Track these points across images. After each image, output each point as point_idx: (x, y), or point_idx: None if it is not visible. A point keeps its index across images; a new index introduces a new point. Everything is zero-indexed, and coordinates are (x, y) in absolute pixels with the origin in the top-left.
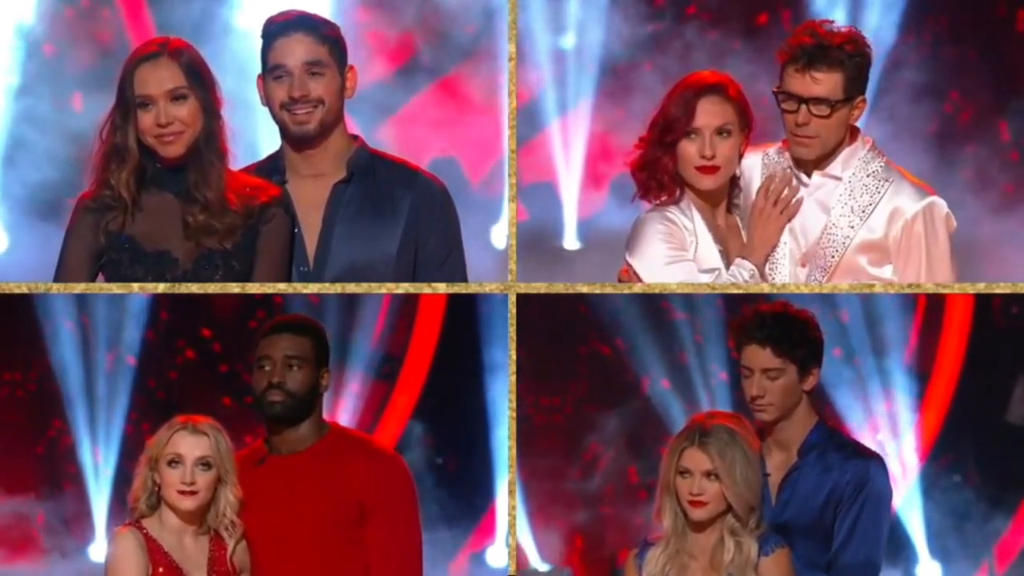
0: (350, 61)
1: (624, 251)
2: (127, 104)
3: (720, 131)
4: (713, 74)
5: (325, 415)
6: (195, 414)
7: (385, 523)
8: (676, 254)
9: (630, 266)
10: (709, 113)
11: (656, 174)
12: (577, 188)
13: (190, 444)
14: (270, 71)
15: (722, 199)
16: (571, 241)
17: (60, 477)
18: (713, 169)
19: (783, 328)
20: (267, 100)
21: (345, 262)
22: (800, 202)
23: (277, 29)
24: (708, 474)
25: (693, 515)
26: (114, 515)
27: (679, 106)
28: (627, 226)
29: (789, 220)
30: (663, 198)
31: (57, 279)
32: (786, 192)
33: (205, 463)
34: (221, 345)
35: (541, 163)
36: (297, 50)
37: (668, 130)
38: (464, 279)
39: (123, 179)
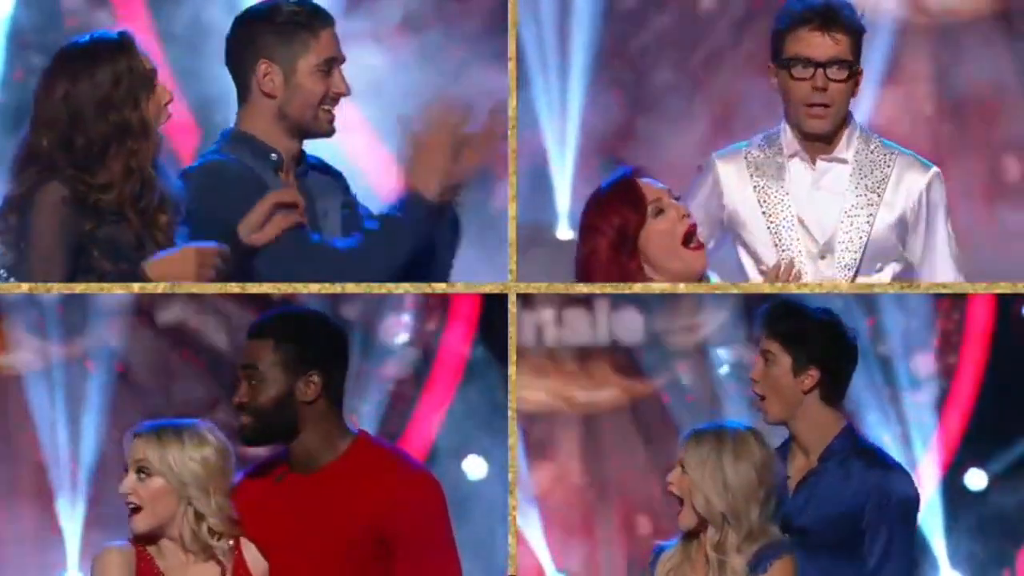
0: None
1: None
2: None
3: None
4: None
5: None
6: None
7: (413, 557)
8: None
9: None
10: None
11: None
12: (570, 176)
13: (134, 447)
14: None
15: None
16: (564, 231)
17: (24, 491)
18: None
19: (786, 317)
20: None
21: None
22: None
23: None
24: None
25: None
26: (89, 537)
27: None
28: None
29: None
30: None
31: None
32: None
33: (143, 469)
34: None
35: (533, 150)
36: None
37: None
38: None
39: None
